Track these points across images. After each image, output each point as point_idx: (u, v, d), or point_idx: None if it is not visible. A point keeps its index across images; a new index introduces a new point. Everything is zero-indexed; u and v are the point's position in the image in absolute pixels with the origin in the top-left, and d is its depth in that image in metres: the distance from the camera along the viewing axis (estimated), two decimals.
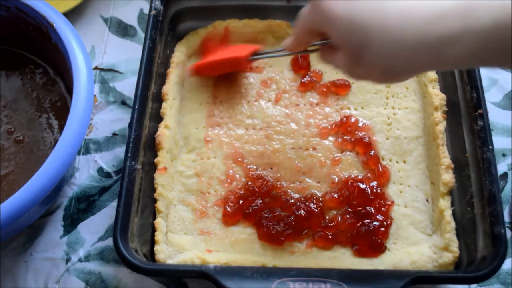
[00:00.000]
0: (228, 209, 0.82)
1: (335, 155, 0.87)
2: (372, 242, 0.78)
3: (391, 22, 0.55)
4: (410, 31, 0.54)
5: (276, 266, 0.75)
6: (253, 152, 0.88)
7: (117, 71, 1.03)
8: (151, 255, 0.78)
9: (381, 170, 0.85)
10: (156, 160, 0.85)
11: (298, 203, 0.81)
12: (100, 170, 0.92)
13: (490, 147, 0.78)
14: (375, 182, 0.83)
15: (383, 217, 0.80)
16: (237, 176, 0.86)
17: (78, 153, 0.94)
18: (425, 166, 0.86)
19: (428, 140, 0.87)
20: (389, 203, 0.82)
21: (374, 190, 0.82)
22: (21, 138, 0.88)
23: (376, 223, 0.79)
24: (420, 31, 0.54)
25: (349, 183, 0.83)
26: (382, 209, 0.81)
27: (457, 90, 0.88)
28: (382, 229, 0.79)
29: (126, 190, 0.76)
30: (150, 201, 0.82)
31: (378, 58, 0.57)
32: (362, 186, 0.82)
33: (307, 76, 0.95)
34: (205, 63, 0.94)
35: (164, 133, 0.86)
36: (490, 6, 0.50)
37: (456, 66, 0.75)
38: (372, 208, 0.80)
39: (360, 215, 0.80)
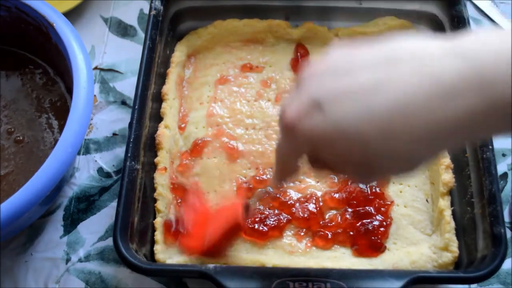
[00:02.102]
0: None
1: None
2: (371, 242, 0.78)
3: (389, 121, 0.45)
4: (418, 124, 0.45)
5: (276, 266, 0.75)
6: (253, 152, 0.88)
7: (117, 71, 1.03)
8: (151, 255, 0.78)
9: None
10: (156, 160, 0.85)
11: (297, 203, 0.81)
12: (100, 170, 0.92)
13: (490, 147, 0.78)
14: (375, 182, 0.83)
15: (382, 217, 0.80)
16: (237, 177, 0.86)
17: (78, 153, 0.94)
18: (424, 166, 0.86)
19: None
20: (389, 203, 0.82)
21: (374, 190, 0.82)
22: (21, 138, 0.88)
23: (376, 223, 0.79)
24: (429, 118, 0.44)
25: (349, 183, 0.83)
26: (382, 209, 0.81)
27: None
28: (381, 229, 0.79)
29: (126, 190, 0.76)
30: (150, 201, 0.82)
31: (391, 161, 0.48)
32: (361, 186, 0.82)
33: None
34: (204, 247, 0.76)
35: (164, 133, 0.86)
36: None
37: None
38: (371, 208, 0.80)
39: (360, 215, 0.80)
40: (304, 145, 0.53)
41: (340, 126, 0.47)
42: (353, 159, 0.49)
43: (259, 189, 0.83)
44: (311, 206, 0.82)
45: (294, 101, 0.52)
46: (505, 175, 0.91)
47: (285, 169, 0.61)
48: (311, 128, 0.49)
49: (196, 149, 0.88)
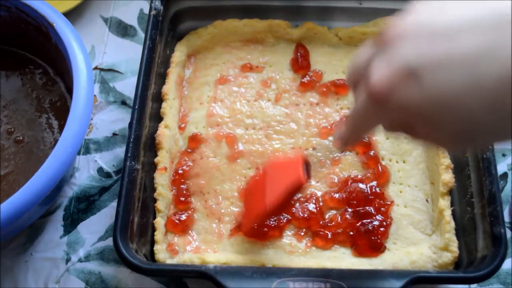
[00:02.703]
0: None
1: (335, 155, 0.87)
2: (371, 242, 0.78)
3: (499, 93, 0.40)
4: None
5: (276, 266, 0.75)
6: (253, 151, 0.88)
7: (117, 71, 1.03)
8: (151, 255, 0.78)
9: (380, 170, 0.85)
10: (156, 160, 0.85)
11: (297, 203, 0.81)
12: (100, 170, 0.92)
13: (490, 147, 0.78)
14: (375, 182, 0.83)
15: (382, 217, 0.80)
16: (237, 177, 0.86)
17: (78, 153, 0.94)
18: (425, 166, 0.86)
19: None
20: (389, 203, 0.82)
21: (374, 190, 0.82)
22: (21, 138, 0.88)
23: (375, 222, 0.79)
24: None
25: (349, 183, 0.83)
26: (382, 209, 0.81)
27: None
28: (381, 229, 0.79)
29: (126, 190, 0.76)
30: (150, 201, 0.82)
31: (496, 131, 0.44)
32: (361, 186, 0.82)
33: (307, 76, 0.95)
34: (263, 212, 0.74)
35: (164, 133, 0.86)
36: None
37: None
38: (371, 208, 0.81)
39: (360, 215, 0.80)
40: (393, 115, 0.47)
41: (441, 98, 0.42)
42: (451, 130, 0.45)
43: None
44: (311, 206, 0.82)
45: (382, 64, 0.45)
46: (505, 175, 0.91)
47: (359, 133, 0.56)
48: (406, 99, 0.44)
49: (194, 141, 0.89)
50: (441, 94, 0.42)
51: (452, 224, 0.77)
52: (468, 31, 0.41)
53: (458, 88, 0.41)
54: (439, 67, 0.42)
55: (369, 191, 0.82)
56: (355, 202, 0.81)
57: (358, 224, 0.79)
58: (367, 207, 0.81)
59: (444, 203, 0.79)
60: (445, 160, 0.81)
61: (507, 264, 0.82)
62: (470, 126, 0.43)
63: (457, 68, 0.41)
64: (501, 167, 0.91)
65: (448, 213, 0.78)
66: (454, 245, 0.75)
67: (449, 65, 0.41)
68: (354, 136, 0.57)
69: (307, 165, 0.71)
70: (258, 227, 0.79)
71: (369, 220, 0.79)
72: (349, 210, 0.81)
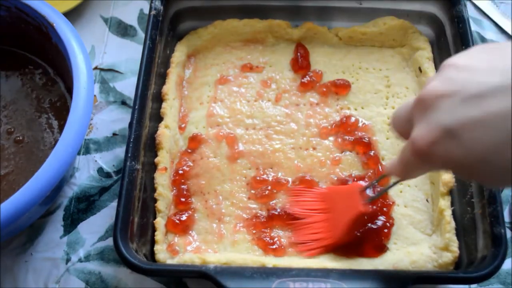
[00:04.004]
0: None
1: (335, 155, 0.87)
2: (375, 243, 0.77)
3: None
4: None
5: (276, 266, 0.75)
6: (253, 152, 0.88)
7: (117, 71, 1.03)
8: (151, 255, 0.78)
9: (381, 170, 0.85)
10: (156, 160, 0.85)
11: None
12: (100, 170, 0.92)
13: None
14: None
15: (385, 218, 0.80)
16: (237, 177, 0.86)
17: (78, 153, 0.94)
18: None
19: None
20: (390, 203, 0.82)
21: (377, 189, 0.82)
22: (20, 138, 0.88)
23: (379, 222, 0.79)
24: None
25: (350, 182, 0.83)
26: (384, 209, 0.81)
27: None
28: (385, 230, 0.79)
29: (126, 190, 0.75)
30: (150, 201, 0.82)
31: None
32: (363, 184, 0.82)
33: (307, 76, 0.95)
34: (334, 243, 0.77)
35: (164, 133, 0.86)
36: None
37: None
38: (374, 206, 0.80)
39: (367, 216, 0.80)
40: (438, 166, 0.56)
41: (476, 153, 0.49)
42: (491, 177, 0.51)
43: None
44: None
45: (422, 125, 0.53)
46: None
47: (410, 176, 0.63)
48: (448, 154, 0.51)
49: (195, 141, 0.89)
50: (478, 150, 0.48)
51: (452, 224, 0.77)
52: (495, 93, 0.47)
53: (493, 143, 0.48)
54: (473, 127, 0.48)
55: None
56: None
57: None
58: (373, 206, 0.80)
59: (444, 203, 0.79)
60: None
61: (507, 264, 0.82)
62: (505, 174, 0.49)
63: (491, 126, 0.47)
64: None
65: (448, 213, 0.78)
66: (454, 245, 0.75)
67: (482, 124, 0.48)
68: (404, 175, 0.64)
69: (363, 191, 0.75)
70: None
71: (372, 221, 0.79)
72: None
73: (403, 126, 0.59)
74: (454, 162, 0.51)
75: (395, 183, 0.73)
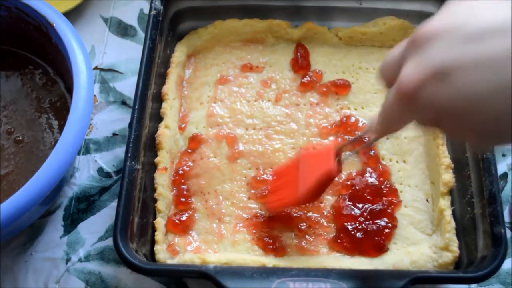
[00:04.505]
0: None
1: None
2: (375, 243, 0.77)
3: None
4: None
5: (276, 266, 0.75)
6: (253, 152, 0.88)
7: (117, 71, 1.03)
8: (151, 255, 0.78)
9: (381, 169, 0.85)
10: (156, 160, 0.85)
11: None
12: (100, 170, 0.92)
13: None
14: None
15: (388, 219, 0.80)
16: (237, 177, 0.86)
17: (78, 153, 0.94)
18: (425, 166, 0.86)
19: (428, 140, 0.87)
20: (396, 201, 0.81)
21: (389, 185, 0.83)
22: (20, 138, 0.88)
23: (382, 223, 0.79)
24: None
25: (358, 179, 0.83)
26: (389, 210, 0.80)
27: None
28: (386, 230, 0.79)
29: (126, 190, 0.76)
30: (150, 201, 0.82)
31: None
32: (371, 179, 0.82)
33: (307, 76, 0.95)
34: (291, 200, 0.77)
35: (164, 133, 0.86)
36: None
37: None
38: (381, 205, 0.80)
39: (374, 214, 0.80)
40: (422, 113, 0.49)
41: (469, 98, 0.44)
42: (477, 128, 0.46)
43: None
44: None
45: (412, 63, 0.47)
46: (505, 175, 0.91)
47: (389, 129, 0.58)
48: (435, 99, 0.46)
49: (195, 141, 0.89)
50: (469, 94, 0.43)
51: (453, 224, 0.77)
52: (497, 33, 0.42)
53: (486, 88, 0.43)
54: (468, 68, 0.43)
55: (378, 183, 0.83)
56: (369, 197, 0.81)
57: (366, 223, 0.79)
58: (377, 206, 0.80)
59: (445, 203, 0.79)
60: (445, 160, 0.81)
61: (507, 264, 0.82)
62: (496, 126, 0.44)
63: (486, 69, 0.42)
64: (501, 167, 0.91)
65: (448, 213, 0.78)
66: (455, 245, 0.75)
67: (478, 66, 0.43)
68: (384, 131, 0.59)
69: (339, 158, 0.72)
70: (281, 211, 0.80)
71: (376, 221, 0.79)
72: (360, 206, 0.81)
73: (392, 71, 0.52)
74: (439, 106, 0.46)
75: (374, 140, 0.69)
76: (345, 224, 0.79)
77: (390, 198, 0.82)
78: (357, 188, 0.82)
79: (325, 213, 0.82)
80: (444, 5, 0.49)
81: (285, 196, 0.77)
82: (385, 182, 0.83)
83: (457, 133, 0.50)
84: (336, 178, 0.85)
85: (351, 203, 0.81)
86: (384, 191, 0.82)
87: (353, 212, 0.80)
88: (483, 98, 0.43)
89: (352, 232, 0.78)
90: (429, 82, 0.45)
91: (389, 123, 0.56)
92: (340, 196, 0.82)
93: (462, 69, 0.44)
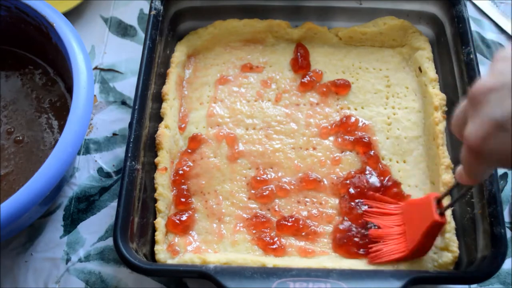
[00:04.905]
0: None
1: (335, 155, 0.87)
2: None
3: None
4: None
5: (276, 266, 0.75)
6: (253, 152, 0.88)
7: (117, 71, 1.03)
8: (151, 255, 0.78)
9: (381, 169, 0.85)
10: (156, 160, 0.85)
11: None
12: (100, 170, 0.92)
13: None
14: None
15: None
16: (237, 177, 0.86)
17: (78, 153, 0.94)
18: (425, 166, 0.86)
19: (428, 140, 0.87)
20: (405, 195, 0.81)
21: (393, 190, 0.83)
22: (20, 138, 0.88)
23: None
24: None
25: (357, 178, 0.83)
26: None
27: (457, 90, 0.88)
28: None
29: (126, 190, 0.76)
30: (150, 201, 0.82)
31: None
32: (372, 180, 0.82)
33: (307, 76, 0.95)
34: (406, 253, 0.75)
35: (164, 133, 0.86)
36: None
37: None
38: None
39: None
40: (492, 161, 0.55)
41: None
42: None
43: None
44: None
45: (474, 121, 0.53)
46: (505, 175, 0.91)
47: (473, 176, 0.62)
48: (499, 149, 0.52)
49: (195, 141, 0.89)
50: None
51: (452, 224, 0.77)
52: None
53: None
54: None
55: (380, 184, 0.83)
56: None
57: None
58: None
59: (444, 202, 0.78)
60: (445, 160, 0.81)
61: (507, 264, 0.82)
62: None
63: None
64: None
65: (448, 213, 0.78)
66: (454, 245, 0.75)
67: None
68: (470, 179, 0.63)
69: (439, 202, 0.72)
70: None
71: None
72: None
73: (460, 126, 0.58)
74: (506, 154, 0.51)
75: (467, 190, 0.70)
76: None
77: (395, 190, 0.82)
78: (360, 186, 0.82)
79: (324, 215, 0.82)
80: (491, 64, 0.55)
81: (392, 250, 0.76)
82: (388, 177, 0.83)
83: None
84: (335, 177, 0.85)
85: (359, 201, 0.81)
86: (388, 185, 0.82)
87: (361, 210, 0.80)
88: None
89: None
90: (491, 135, 0.51)
91: (470, 173, 0.61)
92: (345, 197, 0.82)
93: None
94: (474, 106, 0.53)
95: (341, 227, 0.80)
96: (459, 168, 0.63)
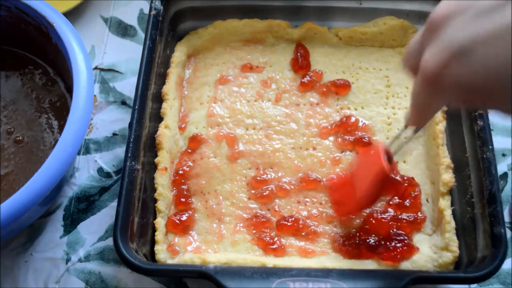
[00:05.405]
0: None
1: (335, 155, 0.87)
2: (392, 257, 0.76)
3: None
4: None
5: (276, 266, 0.75)
6: (253, 152, 0.88)
7: (117, 71, 1.03)
8: (151, 255, 0.78)
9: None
10: (156, 160, 0.85)
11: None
12: (100, 170, 0.92)
13: (490, 147, 0.78)
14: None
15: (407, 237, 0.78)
16: (237, 177, 0.86)
17: (78, 153, 0.94)
18: (425, 166, 0.86)
19: (428, 140, 0.87)
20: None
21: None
22: (20, 138, 0.88)
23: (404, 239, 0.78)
24: None
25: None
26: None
27: None
28: (405, 248, 0.77)
29: (126, 190, 0.76)
30: (150, 201, 0.82)
31: None
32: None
33: (307, 76, 0.95)
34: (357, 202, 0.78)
35: (164, 133, 0.86)
36: None
37: None
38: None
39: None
40: (448, 94, 0.51)
41: (491, 70, 0.45)
42: (505, 96, 0.47)
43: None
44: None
45: (432, 47, 0.49)
46: (505, 175, 0.91)
47: (424, 117, 0.59)
48: (459, 78, 0.47)
49: (195, 141, 0.89)
50: (493, 66, 0.44)
51: (452, 224, 0.77)
52: (509, 4, 0.44)
53: (506, 57, 0.44)
54: (487, 42, 0.44)
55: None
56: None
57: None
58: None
59: (444, 203, 0.78)
60: (445, 160, 0.81)
61: (507, 264, 0.82)
62: None
63: (505, 38, 0.43)
64: (501, 167, 0.91)
65: (448, 213, 0.78)
66: (455, 245, 0.75)
67: (497, 37, 0.44)
68: (419, 120, 0.60)
69: (388, 154, 0.73)
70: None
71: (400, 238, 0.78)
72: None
73: (414, 59, 0.54)
74: (467, 84, 0.47)
75: (414, 132, 0.70)
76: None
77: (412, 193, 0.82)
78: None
79: (324, 215, 0.82)
80: None
81: (347, 203, 0.78)
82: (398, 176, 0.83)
83: (487, 105, 0.52)
84: (335, 177, 0.85)
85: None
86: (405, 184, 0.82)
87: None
88: (506, 66, 0.44)
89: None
90: (451, 62, 0.47)
91: (421, 111, 0.57)
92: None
93: (481, 44, 0.45)
94: (433, 32, 0.49)
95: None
96: (407, 110, 0.60)
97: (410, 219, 0.79)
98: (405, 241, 0.77)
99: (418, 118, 0.60)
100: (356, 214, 0.80)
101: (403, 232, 0.78)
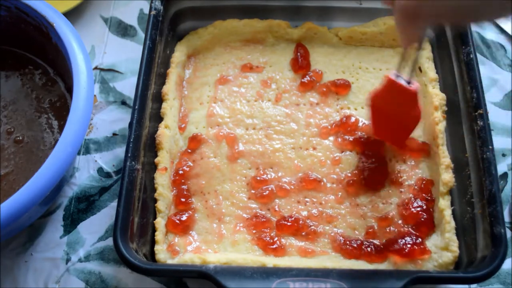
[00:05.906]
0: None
1: (335, 155, 0.87)
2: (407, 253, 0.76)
3: None
4: None
5: (276, 266, 0.75)
6: (253, 152, 0.88)
7: (117, 71, 1.03)
8: (151, 255, 0.78)
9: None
10: (156, 160, 0.85)
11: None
12: (100, 170, 0.92)
13: (490, 147, 0.78)
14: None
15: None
16: (237, 177, 0.86)
17: (78, 153, 0.94)
18: (425, 166, 0.86)
19: (428, 140, 0.87)
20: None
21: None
22: (20, 138, 0.88)
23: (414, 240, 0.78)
24: None
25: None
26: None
27: (457, 90, 0.88)
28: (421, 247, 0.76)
29: (126, 190, 0.76)
30: (150, 201, 0.82)
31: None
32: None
33: (307, 76, 0.95)
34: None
35: (164, 133, 0.86)
36: None
37: None
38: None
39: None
40: (425, 21, 0.59)
41: None
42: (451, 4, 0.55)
43: None
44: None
45: None
46: (505, 175, 0.91)
47: (408, 38, 0.67)
48: (432, 8, 0.56)
49: (195, 141, 0.89)
50: None
51: (452, 224, 0.77)
52: None
53: None
54: None
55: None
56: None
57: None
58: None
59: (444, 203, 0.79)
60: (445, 160, 0.81)
61: (507, 264, 0.82)
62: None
63: None
64: (501, 167, 0.91)
65: (448, 213, 0.78)
66: (455, 245, 0.75)
67: None
68: (406, 40, 0.69)
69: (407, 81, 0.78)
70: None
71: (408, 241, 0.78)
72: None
73: None
74: (443, 14, 0.56)
75: (417, 50, 0.76)
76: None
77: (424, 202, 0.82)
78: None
79: (324, 215, 0.82)
80: None
81: (388, 129, 0.85)
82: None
83: (465, 18, 0.60)
84: (335, 177, 0.85)
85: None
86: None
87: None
88: None
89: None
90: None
91: (405, 35, 0.65)
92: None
93: None
94: None
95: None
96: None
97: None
98: (418, 242, 0.76)
99: (405, 40, 0.68)
100: (397, 145, 0.86)
101: (417, 234, 0.78)
